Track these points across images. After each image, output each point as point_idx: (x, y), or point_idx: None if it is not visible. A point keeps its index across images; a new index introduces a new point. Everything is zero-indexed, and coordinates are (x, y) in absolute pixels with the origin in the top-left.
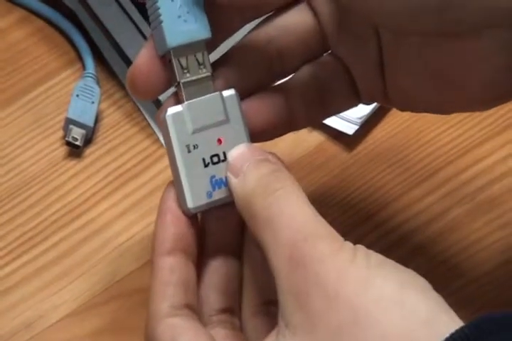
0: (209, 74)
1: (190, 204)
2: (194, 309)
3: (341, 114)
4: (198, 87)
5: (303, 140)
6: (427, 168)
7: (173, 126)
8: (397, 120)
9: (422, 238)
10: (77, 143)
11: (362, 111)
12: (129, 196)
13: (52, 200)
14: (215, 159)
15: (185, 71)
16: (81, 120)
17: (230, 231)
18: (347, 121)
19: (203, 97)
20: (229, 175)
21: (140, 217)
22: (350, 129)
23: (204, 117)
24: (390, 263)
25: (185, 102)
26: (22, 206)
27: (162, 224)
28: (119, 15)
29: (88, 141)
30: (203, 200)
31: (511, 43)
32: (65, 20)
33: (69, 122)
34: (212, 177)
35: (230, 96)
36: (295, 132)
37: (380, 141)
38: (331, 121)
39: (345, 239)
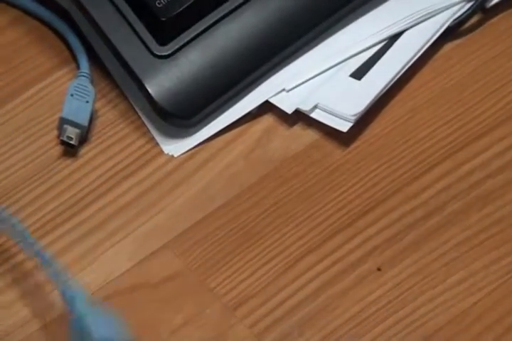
0: None
1: None
2: None
3: (335, 111)
4: None
5: (298, 137)
6: (422, 164)
7: None
8: (391, 117)
9: (418, 233)
10: (72, 142)
11: (356, 108)
12: (124, 194)
13: (47, 199)
14: None
15: None
16: (76, 119)
17: None
18: (341, 118)
19: None
20: None
21: (135, 215)
22: (344, 126)
23: None
24: None
25: None
26: (18, 205)
27: None
28: (113, 15)
29: (83, 140)
30: None
31: None
32: (59, 20)
33: (63, 122)
34: None
35: None
36: (289, 129)
37: (374, 138)
38: (326, 119)
39: (342, 234)
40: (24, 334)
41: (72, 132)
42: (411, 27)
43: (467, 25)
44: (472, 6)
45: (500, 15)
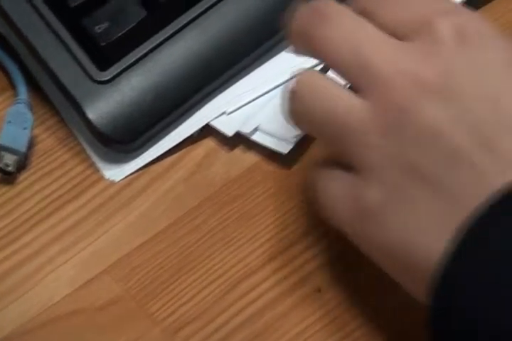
0: None
1: None
2: None
3: (276, 134)
4: None
5: (239, 159)
6: None
7: None
8: None
9: (359, 252)
10: (10, 169)
11: (296, 130)
12: (65, 219)
13: None
14: None
15: None
16: (13, 146)
17: None
18: (282, 140)
19: None
20: None
21: (76, 241)
22: (285, 148)
23: None
24: None
25: None
26: None
27: None
28: (52, 40)
29: (22, 167)
30: None
31: None
32: None
33: (1, 148)
34: None
35: None
36: (230, 152)
37: (315, 159)
38: (266, 141)
39: (284, 256)
40: None
41: (9, 159)
42: None
43: None
44: None
45: None
